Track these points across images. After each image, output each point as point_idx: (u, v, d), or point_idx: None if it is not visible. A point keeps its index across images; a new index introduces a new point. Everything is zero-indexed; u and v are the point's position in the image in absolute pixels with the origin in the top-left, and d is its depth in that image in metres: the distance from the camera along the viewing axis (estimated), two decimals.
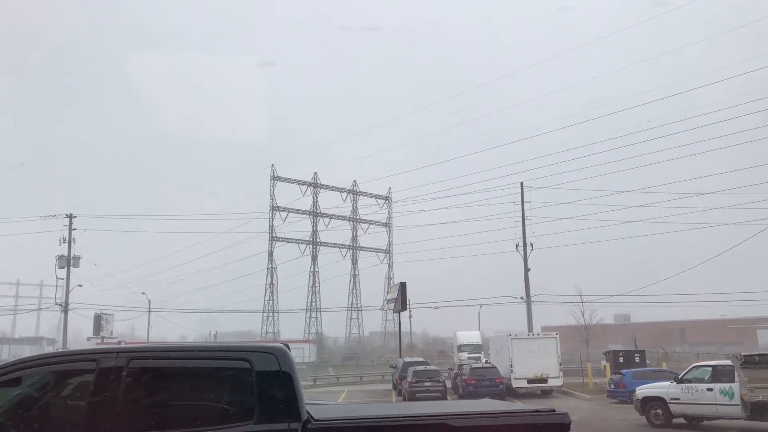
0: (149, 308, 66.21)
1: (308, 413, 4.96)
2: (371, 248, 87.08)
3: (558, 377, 30.15)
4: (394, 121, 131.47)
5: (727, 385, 16.21)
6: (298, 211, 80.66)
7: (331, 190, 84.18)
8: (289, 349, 5.22)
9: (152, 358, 5.15)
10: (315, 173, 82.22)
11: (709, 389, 16.62)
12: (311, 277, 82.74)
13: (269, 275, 79.91)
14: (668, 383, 18.26)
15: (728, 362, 16.70)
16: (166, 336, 74.50)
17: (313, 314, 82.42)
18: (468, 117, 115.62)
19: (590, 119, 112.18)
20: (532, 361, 29.98)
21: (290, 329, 79.53)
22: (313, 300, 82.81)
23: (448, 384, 31.51)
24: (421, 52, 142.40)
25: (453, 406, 8.15)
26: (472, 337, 47.57)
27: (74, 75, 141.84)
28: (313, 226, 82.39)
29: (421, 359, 36.00)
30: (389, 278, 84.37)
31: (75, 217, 47.64)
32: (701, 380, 17.05)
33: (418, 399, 24.98)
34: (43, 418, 4.80)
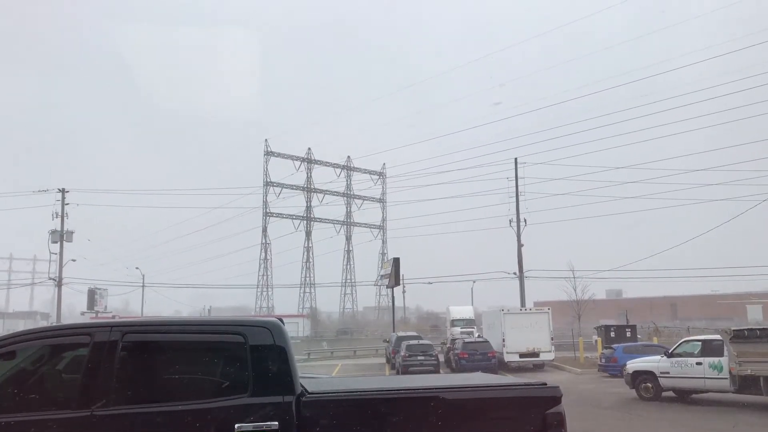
0: (143, 283, 66.32)
1: (302, 386, 4.99)
2: (365, 224, 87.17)
3: (550, 351, 30.48)
4: (390, 95, 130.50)
5: (716, 359, 16.42)
6: (291, 187, 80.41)
7: (325, 165, 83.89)
8: (283, 323, 5.24)
9: (147, 332, 5.15)
10: (309, 148, 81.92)
11: (699, 363, 16.83)
12: (305, 253, 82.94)
13: (263, 250, 80.00)
14: (658, 357, 18.50)
15: (717, 337, 16.89)
16: (161, 311, 74.85)
17: (307, 289, 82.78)
18: (463, 93, 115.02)
19: (584, 95, 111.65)
20: (525, 336, 30.26)
21: (284, 304, 79.87)
22: (307, 275, 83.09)
23: (441, 358, 31.81)
24: (418, 25, 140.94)
25: (446, 379, 8.24)
26: (465, 312, 47.86)
27: (66, 48, 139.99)
28: (307, 202, 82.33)
29: (414, 333, 36.26)
30: (383, 254, 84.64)
31: (68, 191, 47.41)
32: (691, 354, 17.26)
33: (411, 372, 25.19)
34: (37, 392, 4.81)
